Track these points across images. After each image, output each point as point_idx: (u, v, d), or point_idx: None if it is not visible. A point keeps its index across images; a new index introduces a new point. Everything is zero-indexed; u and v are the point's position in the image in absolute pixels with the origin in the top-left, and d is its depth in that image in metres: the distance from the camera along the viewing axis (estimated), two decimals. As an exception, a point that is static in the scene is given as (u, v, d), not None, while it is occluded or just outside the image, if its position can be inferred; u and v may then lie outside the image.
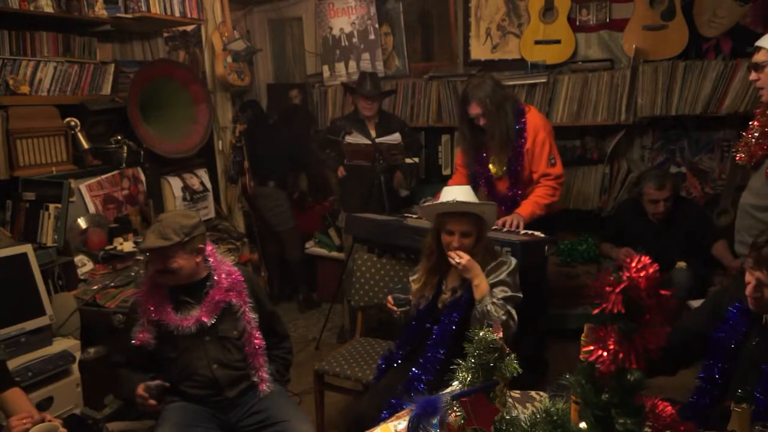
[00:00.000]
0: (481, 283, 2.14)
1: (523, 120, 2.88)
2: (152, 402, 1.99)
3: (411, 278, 2.42)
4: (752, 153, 2.17)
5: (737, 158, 2.27)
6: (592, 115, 3.73)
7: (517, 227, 2.75)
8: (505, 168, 2.95)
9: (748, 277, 1.65)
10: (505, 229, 2.75)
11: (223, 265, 2.18)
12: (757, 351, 1.65)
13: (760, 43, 2.17)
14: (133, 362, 2.12)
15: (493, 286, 2.16)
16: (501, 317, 2.08)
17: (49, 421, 1.72)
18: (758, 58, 2.16)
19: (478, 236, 2.22)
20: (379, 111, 3.73)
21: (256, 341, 2.15)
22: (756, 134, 2.16)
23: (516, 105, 2.91)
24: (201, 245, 2.10)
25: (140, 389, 2.00)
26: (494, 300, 2.12)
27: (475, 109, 2.84)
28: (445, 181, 3.53)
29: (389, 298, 2.39)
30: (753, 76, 2.20)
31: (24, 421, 1.69)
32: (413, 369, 2.14)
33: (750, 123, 2.22)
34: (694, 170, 3.71)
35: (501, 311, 2.10)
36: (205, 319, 2.08)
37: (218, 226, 3.76)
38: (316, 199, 4.67)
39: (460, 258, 2.15)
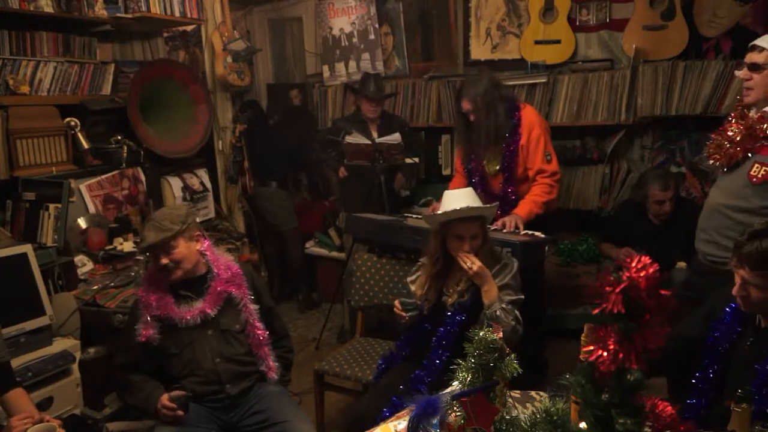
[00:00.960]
0: (490, 289, 2.12)
1: (517, 116, 2.89)
2: (180, 413, 1.98)
3: (409, 279, 2.39)
4: (731, 155, 2.12)
5: (711, 159, 2.22)
6: (592, 115, 3.73)
7: (516, 228, 2.75)
8: (499, 166, 2.96)
9: (736, 278, 1.66)
10: (505, 230, 2.75)
11: (221, 258, 2.22)
12: (752, 351, 1.66)
13: (760, 42, 2.10)
14: (136, 362, 2.12)
15: (498, 290, 2.14)
16: (510, 322, 2.06)
17: (48, 421, 1.72)
18: (758, 58, 2.09)
19: (483, 237, 2.21)
20: (381, 112, 3.72)
21: (258, 332, 2.17)
22: (737, 137, 2.11)
23: (511, 104, 2.91)
24: (198, 232, 2.16)
25: (164, 400, 1.98)
26: (503, 305, 2.10)
27: (466, 105, 2.89)
28: (444, 181, 3.53)
29: (396, 303, 2.33)
30: (744, 74, 2.13)
31: (25, 421, 1.69)
32: (417, 371, 2.13)
33: (725, 126, 2.18)
34: (694, 170, 3.70)
35: (510, 316, 2.08)
36: (208, 311, 2.10)
37: (218, 226, 3.76)
38: (316, 199, 4.67)
39: (472, 263, 2.12)
